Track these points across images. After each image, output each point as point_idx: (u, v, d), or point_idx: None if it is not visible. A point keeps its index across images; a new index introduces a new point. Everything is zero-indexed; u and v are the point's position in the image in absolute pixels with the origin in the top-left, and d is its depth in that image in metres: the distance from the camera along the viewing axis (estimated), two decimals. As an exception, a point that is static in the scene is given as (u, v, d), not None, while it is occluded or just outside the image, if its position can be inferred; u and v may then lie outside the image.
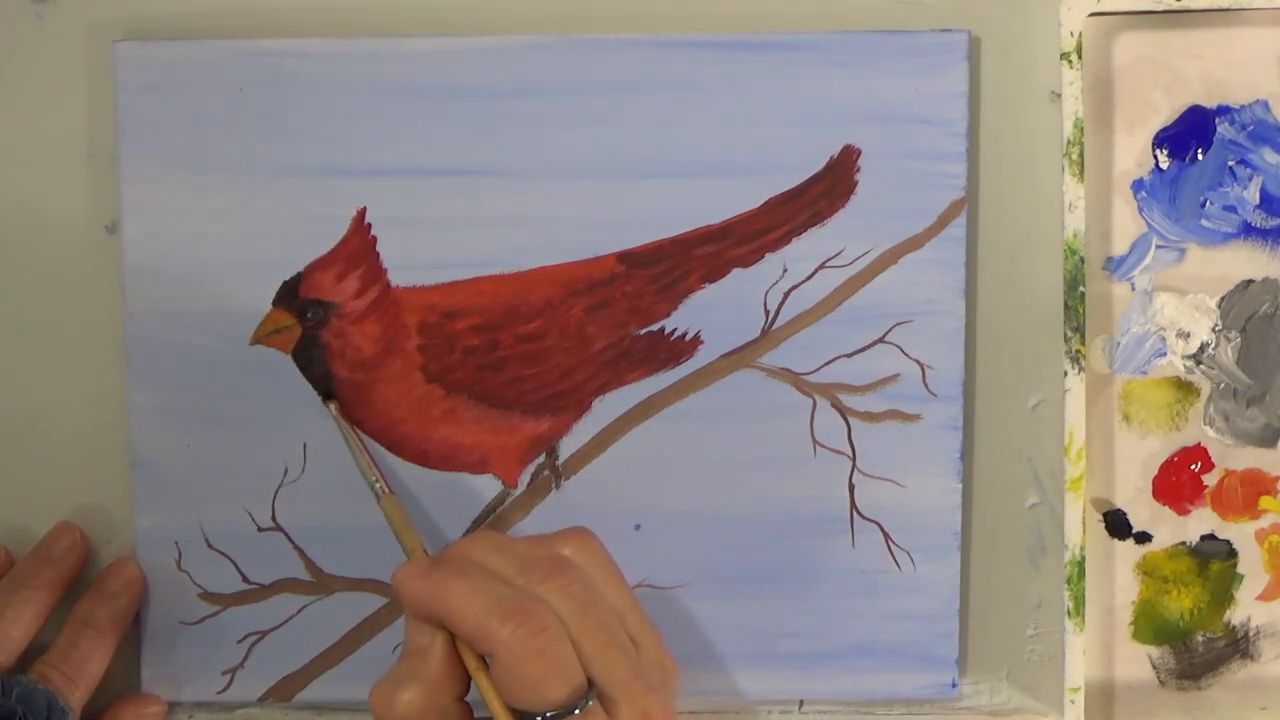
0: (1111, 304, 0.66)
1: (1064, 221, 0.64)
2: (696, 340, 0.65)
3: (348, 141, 0.64)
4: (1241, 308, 0.66)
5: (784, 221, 0.65)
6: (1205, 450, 0.66)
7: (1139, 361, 0.66)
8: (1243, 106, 0.65)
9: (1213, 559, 0.67)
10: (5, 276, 0.66)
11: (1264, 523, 0.67)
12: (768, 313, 0.65)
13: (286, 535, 0.65)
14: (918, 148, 0.64)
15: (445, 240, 0.64)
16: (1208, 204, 0.65)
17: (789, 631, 0.66)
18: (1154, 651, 0.67)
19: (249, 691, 0.66)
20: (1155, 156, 0.65)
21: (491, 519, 0.66)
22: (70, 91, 0.65)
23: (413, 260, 0.64)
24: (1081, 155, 0.64)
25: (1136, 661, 0.67)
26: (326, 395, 0.64)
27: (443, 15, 0.65)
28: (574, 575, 0.56)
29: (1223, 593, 0.67)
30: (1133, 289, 0.66)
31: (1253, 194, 0.65)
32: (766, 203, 0.64)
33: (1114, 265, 0.66)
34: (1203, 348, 0.66)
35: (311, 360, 0.64)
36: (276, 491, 0.65)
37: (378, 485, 0.63)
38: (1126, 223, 0.66)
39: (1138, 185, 0.65)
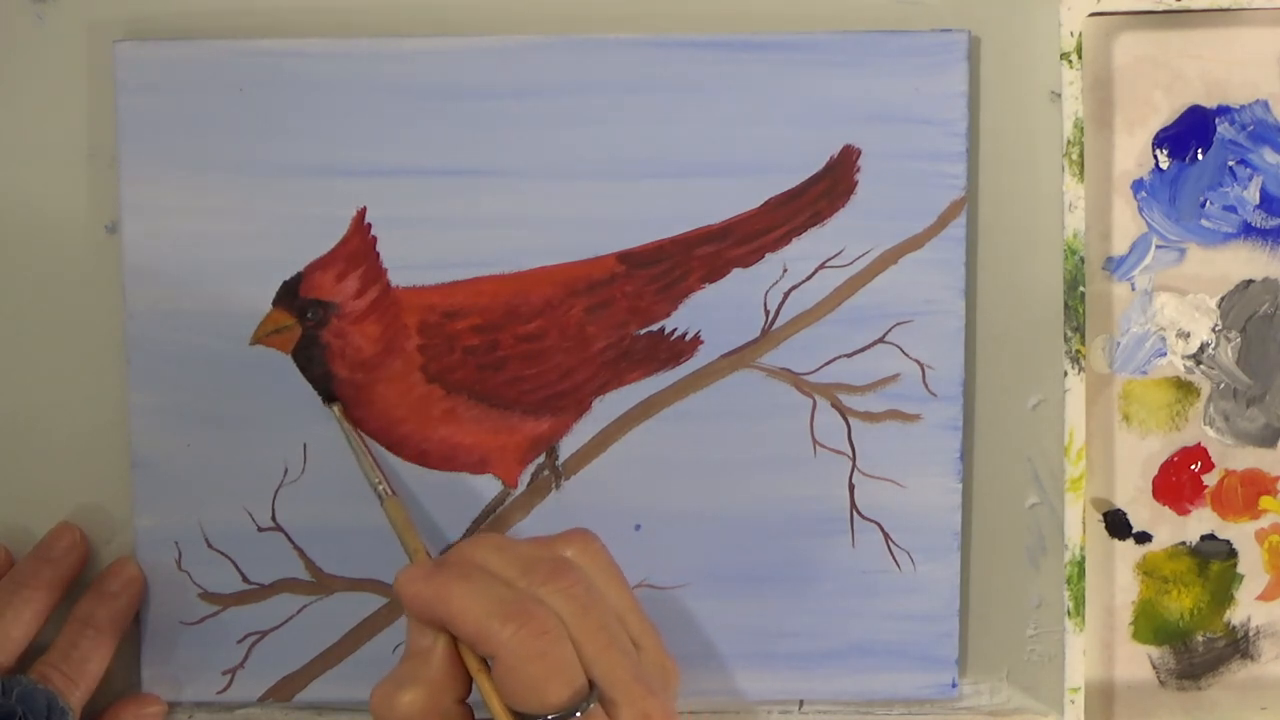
0: (1111, 304, 0.66)
1: (1064, 221, 0.64)
2: (696, 340, 0.65)
3: (348, 141, 0.64)
4: (1241, 308, 0.66)
5: (784, 221, 0.64)
6: (1205, 450, 0.66)
7: (1139, 361, 0.66)
8: (1243, 106, 0.65)
9: (1213, 559, 0.67)
10: (5, 276, 0.66)
11: (1264, 523, 0.67)
12: (768, 313, 0.65)
13: (286, 535, 0.65)
14: (918, 148, 0.64)
15: (445, 240, 0.64)
16: (1208, 204, 0.65)
17: (789, 631, 0.66)
18: (1154, 651, 0.67)
19: (249, 691, 0.66)
20: (1155, 156, 0.65)
21: (491, 519, 0.66)
22: (70, 91, 0.65)
23: (413, 260, 0.64)
24: (1081, 155, 0.64)
25: (1136, 661, 0.67)
26: (328, 397, 0.64)
27: (443, 15, 0.65)
28: (575, 577, 0.56)
29: (1223, 593, 0.67)
30: (1133, 289, 0.66)
31: (1253, 194, 0.65)
32: (766, 203, 0.64)
33: (1114, 265, 0.66)
34: (1203, 348, 0.66)
35: (311, 360, 0.64)
36: (276, 491, 0.65)
37: (381, 487, 0.63)
38: (1126, 223, 0.66)
39: (1138, 185, 0.65)
